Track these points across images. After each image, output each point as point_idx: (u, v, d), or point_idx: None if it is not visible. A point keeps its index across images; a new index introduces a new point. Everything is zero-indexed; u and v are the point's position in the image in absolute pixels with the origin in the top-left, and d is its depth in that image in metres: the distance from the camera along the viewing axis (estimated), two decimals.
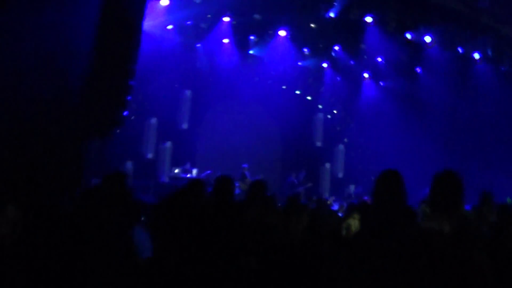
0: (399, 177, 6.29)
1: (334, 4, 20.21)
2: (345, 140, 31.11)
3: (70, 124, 15.25)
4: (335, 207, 19.87)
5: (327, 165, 30.38)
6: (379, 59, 28.05)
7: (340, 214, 15.47)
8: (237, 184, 23.90)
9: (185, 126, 26.51)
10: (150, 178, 24.32)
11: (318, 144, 30.26)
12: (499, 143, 28.41)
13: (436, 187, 4.85)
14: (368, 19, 22.91)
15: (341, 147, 30.96)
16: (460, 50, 25.39)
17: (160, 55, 24.46)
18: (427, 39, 24.39)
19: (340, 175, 30.54)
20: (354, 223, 9.61)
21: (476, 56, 25.95)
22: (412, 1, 22.46)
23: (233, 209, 7.49)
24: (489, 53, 25.60)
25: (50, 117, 14.55)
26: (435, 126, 29.18)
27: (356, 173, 30.25)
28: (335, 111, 31.00)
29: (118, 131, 20.66)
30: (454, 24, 23.57)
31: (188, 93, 26.59)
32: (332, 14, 21.66)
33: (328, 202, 20.14)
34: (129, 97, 17.91)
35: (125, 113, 17.48)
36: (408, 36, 23.73)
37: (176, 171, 25.08)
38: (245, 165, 24.26)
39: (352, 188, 28.76)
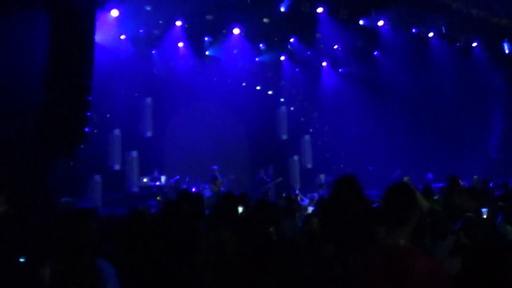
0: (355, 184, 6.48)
1: None
2: (311, 130, 31.18)
3: (33, 145, 15.15)
4: (306, 201, 19.88)
5: (295, 157, 30.38)
6: (336, 47, 28.13)
7: (311, 208, 15.55)
8: (207, 186, 23.92)
9: (149, 134, 26.37)
10: (120, 190, 24.23)
11: (284, 137, 30.24)
12: (460, 119, 28.78)
13: (387, 201, 4.85)
14: (319, 9, 22.98)
15: (307, 138, 30.98)
16: (414, 30, 25.60)
17: (116, 66, 24.31)
18: (380, 23, 24.55)
19: (309, 165, 30.57)
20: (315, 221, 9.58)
21: (431, 34, 26.16)
22: None
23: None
24: (443, 30, 25.84)
25: (11, 140, 14.44)
26: (397, 108, 29.48)
27: (324, 163, 30.40)
28: (297, 103, 31.02)
29: (82, 146, 20.62)
30: (406, 5, 23.70)
31: (149, 100, 26.42)
32: (282, 9, 21.69)
33: (298, 197, 20.16)
34: (89, 113, 17.81)
35: (87, 129, 17.38)
36: (361, 22, 23.83)
37: (145, 180, 25.00)
38: (215, 167, 24.21)
39: (322, 177, 28.82)
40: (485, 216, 9.02)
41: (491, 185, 18.60)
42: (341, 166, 30.15)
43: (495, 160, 28.92)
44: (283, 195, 17.19)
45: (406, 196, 4.80)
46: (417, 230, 4.82)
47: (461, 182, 12.42)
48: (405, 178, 22.06)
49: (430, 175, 26.55)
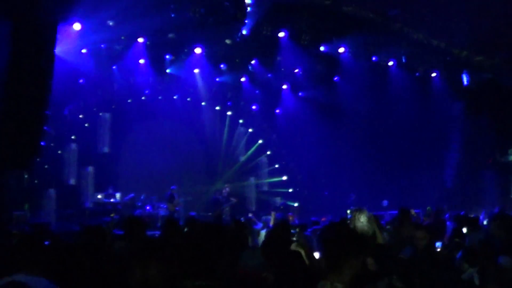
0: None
1: (245, 22, 20.31)
2: (268, 152, 31.29)
3: None
4: (259, 225, 19.88)
5: (252, 179, 30.49)
6: (296, 71, 28.33)
7: (264, 231, 15.53)
8: (165, 206, 23.84)
9: (106, 149, 26.22)
10: (74, 205, 24.02)
11: (242, 158, 30.40)
12: (417, 148, 29.15)
13: (325, 249, 4.67)
14: (281, 34, 23.16)
15: (264, 159, 31.13)
16: (374, 58, 25.87)
17: (76, 79, 24.22)
18: (341, 49, 24.81)
19: (265, 188, 30.69)
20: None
21: (391, 63, 26.48)
22: (323, 14, 22.74)
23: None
24: (403, 59, 26.17)
25: None
26: (355, 133, 29.70)
27: (281, 185, 30.53)
28: (256, 124, 31.14)
29: (38, 160, 20.42)
30: (367, 33, 23.98)
31: (107, 116, 26.32)
32: (244, 31, 21.79)
33: (252, 220, 20.14)
34: (45, 126, 17.68)
35: (42, 142, 17.24)
36: (322, 48, 24.06)
37: (99, 196, 24.84)
38: (174, 187, 24.14)
39: (278, 200, 28.94)
40: (438, 250, 9.03)
41: (446, 216, 18.84)
42: (297, 189, 30.28)
43: (450, 190, 29.29)
44: (237, 219, 17.19)
45: (341, 240, 4.56)
46: (361, 273, 4.59)
47: (413, 212, 12.45)
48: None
49: (385, 202, 26.81)
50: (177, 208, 24.58)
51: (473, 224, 12.78)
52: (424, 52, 26.29)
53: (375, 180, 28.36)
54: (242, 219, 17.46)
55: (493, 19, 21.60)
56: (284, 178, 30.57)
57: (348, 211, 22.96)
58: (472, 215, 18.13)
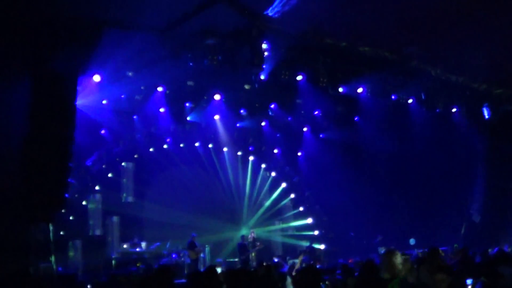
0: None
1: (263, 67, 20.44)
2: (292, 196, 31.18)
3: (13, 210, 15.08)
4: (285, 268, 19.74)
5: (277, 223, 30.42)
6: (316, 113, 28.42)
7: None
8: (186, 253, 23.77)
9: (130, 199, 26.37)
10: (100, 255, 24.00)
11: (266, 203, 30.37)
12: (441, 184, 28.88)
13: None
14: (299, 77, 23.25)
15: (288, 203, 31.06)
16: (393, 96, 25.82)
17: (97, 130, 24.50)
18: (360, 90, 24.84)
19: (291, 231, 30.56)
20: None
21: (410, 101, 26.40)
22: (340, 55, 22.85)
23: None
24: (423, 96, 26.08)
25: None
26: (378, 173, 29.53)
27: (306, 228, 30.35)
28: (278, 168, 31.12)
29: (62, 212, 20.54)
30: (385, 72, 24.04)
31: (130, 165, 26.51)
32: (263, 76, 21.92)
33: (279, 264, 19.96)
34: (69, 179, 17.83)
35: (67, 194, 17.36)
36: (341, 89, 24.10)
37: (125, 246, 24.85)
38: (194, 234, 24.09)
39: (304, 243, 28.73)
40: None
41: (470, 253, 18.59)
42: (323, 232, 30.08)
43: (477, 225, 28.91)
44: (264, 263, 17.09)
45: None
46: None
47: (440, 251, 12.21)
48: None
49: (412, 241, 26.53)
50: (202, 255, 24.56)
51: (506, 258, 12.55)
52: (443, 88, 26.17)
53: (400, 219, 28.16)
54: (269, 263, 17.38)
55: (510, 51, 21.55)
56: (309, 220, 30.36)
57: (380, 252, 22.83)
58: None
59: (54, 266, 19.56)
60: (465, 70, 24.70)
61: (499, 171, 29.47)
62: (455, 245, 22.87)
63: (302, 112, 28.30)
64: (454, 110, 27.73)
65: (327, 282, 10.72)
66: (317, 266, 16.89)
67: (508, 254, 13.85)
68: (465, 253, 17.76)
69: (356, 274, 12.38)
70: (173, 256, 24.51)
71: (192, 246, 23.64)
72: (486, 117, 27.55)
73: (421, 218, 28.26)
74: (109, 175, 25.83)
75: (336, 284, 9.89)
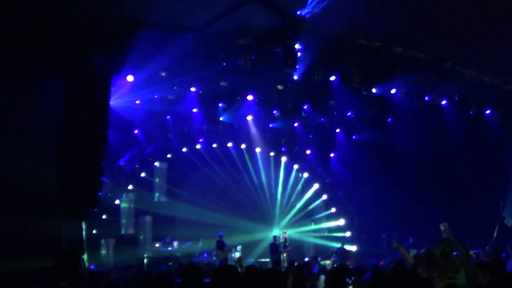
0: None
1: (296, 67, 20.40)
2: (324, 196, 31.04)
3: (46, 207, 15.20)
4: (316, 268, 19.65)
5: (309, 224, 30.33)
6: (349, 114, 28.33)
7: (322, 276, 15.35)
8: (214, 252, 23.80)
9: (163, 198, 26.48)
10: (132, 254, 24.14)
11: (298, 203, 30.29)
12: (474, 187, 28.64)
13: None
14: (332, 78, 23.17)
15: (320, 204, 30.94)
16: (427, 98, 25.64)
17: (131, 130, 24.67)
18: (393, 91, 24.69)
19: (323, 232, 30.44)
20: None
21: (443, 102, 26.19)
22: (373, 56, 22.74)
23: None
24: (456, 98, 25.84)
25: (26, 203, 14.53)
26: (410, 174, 29.29)
27: (338, 229, 30.22)
28: (311, 169, 31.02)
29: (95, 210, 20.72)
30: (418, 73, 23.85)
31: (163, 165, 26.62)
32: (296, 77, 21.89)
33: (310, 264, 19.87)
34: (102, 177, 17.96)
35: (100, 193, 17.47)
36: (374, 90, 23.94)
37: (157, 245, 24.98)
38: (221, 234, 24.07)
39: (336, 244, 28.57)
40: None
41: (503, 255, 18.37)
42: (355, 233, 29.92)
43: (509, 229, 28.57)
44: (295, 264, 17.05)
45: None
46: None
47: (471, 253, 12.12)
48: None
49: None
50: (232, 255, 24.57)
51: None
52: (477, 90, 25.92)
53: (432, 221, 27.84)
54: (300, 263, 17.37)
55: None
56: (341, 222, 30.21)
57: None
58: None
59: (87, 264, 19.75)
60: (500, 72, 24.43)
61: None
62: (487, 248, 22.61)
63: (335, 113, 28.28)
64: (487, 112, 27.41)
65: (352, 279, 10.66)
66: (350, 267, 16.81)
67: None
68: (497, 255, 17.57)
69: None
70: (205, 255, 24.57)
71: (220, 245, 23.62)
72: None
73: (453, 221, 27.92)
74: (142, 174, 25.95)
75: (362, 284, 9.82)
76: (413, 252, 25.76)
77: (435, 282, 8.28)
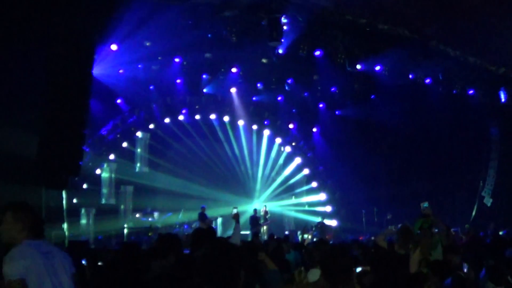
0: None
1: (281, 41, 20.31)
2: (306, 171, 31.08)
3: (27, 175, 15.15)
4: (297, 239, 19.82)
5: (290, 198, 30.40)
6: (333, 89, 28.35)
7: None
8: (198, 224, 23.83)
9: (144, 169, 26.39)
10: (113, 224, 24.13)
11: (280, 177, 30.33)
12: (455, 164, 28.85)
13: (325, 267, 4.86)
14: (317, 53, 23.11)
15: (302, 178, 30.98)
16: (411, 76, 25.68)
17: (113, 99, 24.52)
18: (377, 68, 24.69)
19: (306, 207, 30.53)
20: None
21: (427, 80, 26.25)
22: (359, 32, 22.69)
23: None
24: (440, 76, 25.89)
25: (8, 171, 14.47)
26: (392, 150, 29.42)
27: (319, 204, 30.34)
28: (293, 143, 31.03)
29: (76, 179, 20.63)
30: (403, 51, 23.82)
31: (145, 135, 26.50)
32: (281, 51, 21.84)
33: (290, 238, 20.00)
34: (84, 147, 17.86)
35: (80, 162, 17.38)
36: (359, 66, 23.91)
37: (138, 215, 24.98)
38: (204, 206, 24.11)
39: (316, 219, 28.69)
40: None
41: (481, 234, 18.57)
42: (335, 208, 30.02)
43: (488, 208, 28.83)
44: (275, 237, 17.14)
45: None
46: None
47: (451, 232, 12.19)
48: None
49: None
50: (214, 227, 24.62)
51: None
52: (461, 69, 26.01)
53: (413, 197, 28.03)
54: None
55: None
56: (322, 196, 30.30)
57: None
58: None
59: (66, 233, 19.70)
60: (484, 52, 24.46)
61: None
62: (466, 226, 22.85)
63: (319, 88, 28.32)
64: (470, 92, 27.51)
65: None
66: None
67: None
68: (475, 234, 17.78)
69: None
70: (185, 226, 24.61)
71: (202, 217, 23.66)
72: (503, 100, 27.27)
73: (433, 199, 28.10)
74: (124, 144, 25.84)
75: None
76: (391, 228, 26.02)
77: (410, 258, 8.31)
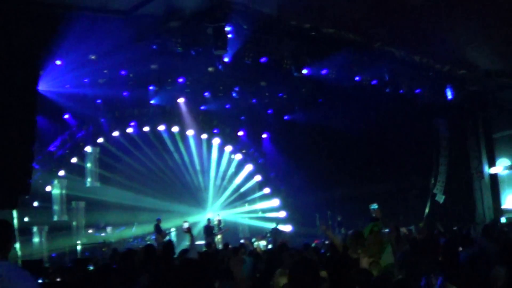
0: None
1: (226, 50, 20.35)
2: (258, 177, 31.19)
3: None
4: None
5: (243, 205, 30.48)
6: (281, 95, 28.56)
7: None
8: (153, 237, 23.77)
9: (95, 184, 26.17)
10: (66, 241, 23.88)
11: (232, 185, 30.41)
12: (405, 164, 29.27)
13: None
14: (263, 59, 23.21)
15: (254, 185, 31.10)
16: (357, 78, 25.90)
17: (60, 115, 24.28)
18: (323, 71, 24.87)
19: (259, 213, 30.65)
20: None
21: (374, 82, 26.50)
22: (304, 37, 22.84)
23: None
24: (386, 77, 26.16)
25: None
26: (342, 152, 29.70)
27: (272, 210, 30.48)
28: (244, 151, 31.13)
29: (26, 197, 20.35)
30: (348, 54, 24.03)
31: (94, 150, 26.29)
32: (226, 59, 21.89)
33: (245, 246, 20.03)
34: (33, 164, 17.64)
35: (30, 180, 17.17)
36: (305, 71, 24.04)
37: (90, 231, 24.79)
38: (159, 218, 24.09)
39: (271, 225, 28.80)
40: None
41: (435, 232, 18.84)
42: (289, 213, 30.16)
43: (441, 205, 29.32)
44: (229, 246, 17.20)
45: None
46: None
47: (405, 230, 12.41)
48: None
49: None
50: (169, 239, 24.55)
51: (466, 239, 12.65)
52: (407, 69, 26.34)
53: (364, 199, 28.31)
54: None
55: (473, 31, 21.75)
56: (275, 202, 30.45)
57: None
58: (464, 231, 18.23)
59: (19, 253, 19.44)
60: (429, 51, 24.80)
61: (462, 152, 29.94)
62: (420, 224, 23.20)
63: (267, 94, 28.50)
64: (417, 91, 27.87)
65: None
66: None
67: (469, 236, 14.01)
68: (430, 232, 18.01)
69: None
70: (139, 240, 24.52)
71: (158, 229, 23.64)
72: (449, 97, 27.74)
73: (386, 198, 28.46)
74: (73, 160, 25.58)
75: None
76: (342, 230, 26.31)
77: (361, 261, 8.49)
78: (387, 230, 11.76)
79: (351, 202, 27.41)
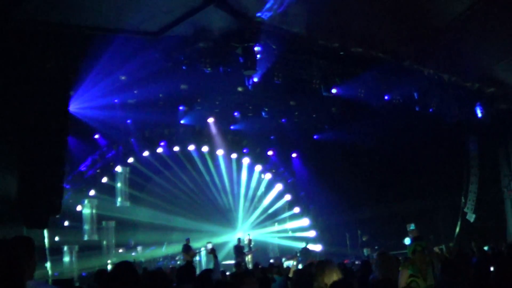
0: None
1: (256, 70, 20.35)
2: (288, 197, 31.11)
3: (7, 216, 15.05)
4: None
5: (273, 225, 30.41)
6: (310, 114, 28.56)
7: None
8: (182, 257, 23.75)
9: (125, 203, 26.29)
10: (96, 260, 23.95)
11: (261, 205, 30.36)
12: (434, 183, 28.99)
13: None
14: (292, 79, 23.20)
15: (284, 204, 31.03)
16: (386, 97, 25.76)
17: (91, 135, 24.48)
18: (353, 91, 24.78)
19: (290, 233, 30.55)
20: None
21: (403, 101, 26.32)
22: (333, 57, 22.80)
23: None
24: (416, 96, 25.99)
25: None
26: (373, 173, 29.59)
27: (302, 230, 30.36)
28: (273, 170, 31.12)
29: (57, 217, 20.48)
30: (378, 73, 23.97)
31: (124, 170, 26.44)
32: (256, 79, 21.91)
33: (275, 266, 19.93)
34: (63, 184, 17.79)
35: (61, 200, 17.31)
36: (334, 90, 23.98)
37: (121, 250, 24.86)
38: (188, 238, 24.10)
39: (300, 245, 28.68)
40: None
41: (467, 251, 18.56)
42: (318, 232, 30.04)
43: (471, 224, 28.97)
44: (260, 266, 17.10)
45: None
46: None
47: (437, 249, 12.22)
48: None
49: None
50: (198, 258, 24.56)
51: (497, 258, 12.46)
52: (436, 88, 26.14)
53: (394, 218, 28.12)
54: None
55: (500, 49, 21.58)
56: (305, 221, 30.35)
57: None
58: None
59: (50, 272, 19.55)
60: (458, 69, 24.62)
61: (492, 170, 29.58)
62: (450, 244, 22.88)
63: (296, 113, 28.43)
64: (447, 109, 27.64)
65: None
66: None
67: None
68: (460, 252, 17.73)
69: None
70: (169, 259, 24.54)
71: (186, 249, 23.62)
72: (479, 115, 27.48)
73: (416, 217, 28.21)
74: (104, 179, 25.75)
75: None
76: (367, 250, 26.08)
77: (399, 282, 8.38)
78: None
79: (381, 221, 27.23)
